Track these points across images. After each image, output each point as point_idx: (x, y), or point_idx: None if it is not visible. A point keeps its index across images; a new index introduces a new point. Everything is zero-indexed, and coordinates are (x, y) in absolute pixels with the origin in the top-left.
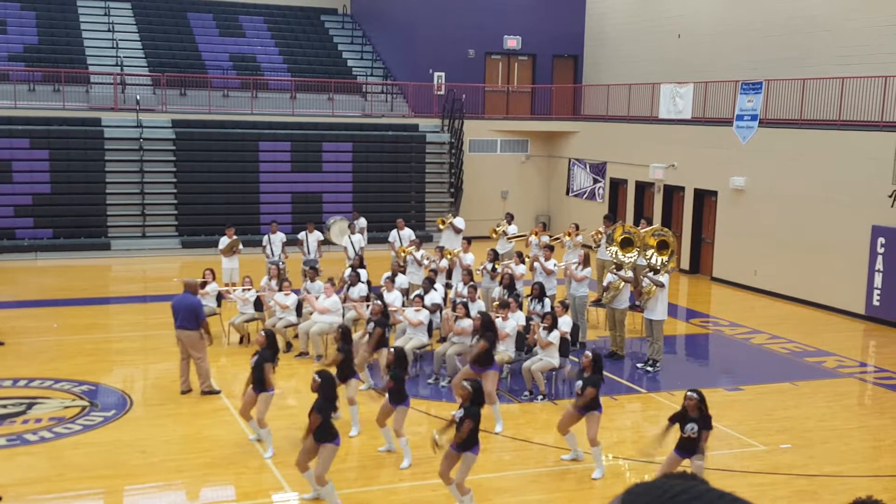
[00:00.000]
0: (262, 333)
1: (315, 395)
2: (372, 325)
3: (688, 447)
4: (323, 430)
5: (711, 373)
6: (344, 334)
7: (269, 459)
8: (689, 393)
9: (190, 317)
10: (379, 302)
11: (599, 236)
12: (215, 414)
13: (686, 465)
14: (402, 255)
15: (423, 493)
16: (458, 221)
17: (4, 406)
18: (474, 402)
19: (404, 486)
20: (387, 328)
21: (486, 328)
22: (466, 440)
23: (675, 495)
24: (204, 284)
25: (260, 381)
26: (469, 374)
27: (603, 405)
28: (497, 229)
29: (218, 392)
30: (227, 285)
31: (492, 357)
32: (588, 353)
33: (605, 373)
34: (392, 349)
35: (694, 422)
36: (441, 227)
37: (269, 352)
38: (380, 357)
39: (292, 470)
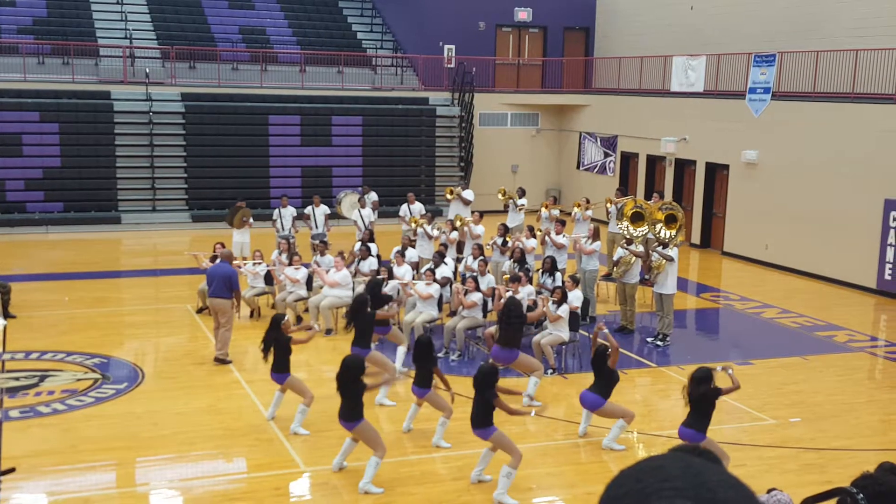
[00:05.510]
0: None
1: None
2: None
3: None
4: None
5: (721, 347)
6: (366, 302)
7: (281, 433)
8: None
9: (223, 285)
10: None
11: (610, 204)
12: (227, 387)
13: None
14: (415, 225)
15: (429, 465)
16: (468, 193)
17: (17, 378)
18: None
19: (413, 458)
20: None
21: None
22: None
23: (652, 485)
24: (214, 259)
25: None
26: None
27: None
28: (506, 191)
29: (229, 363)
30: (237, 259)
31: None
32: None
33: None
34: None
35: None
36: (449, 196)
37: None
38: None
39: (304, 443)
